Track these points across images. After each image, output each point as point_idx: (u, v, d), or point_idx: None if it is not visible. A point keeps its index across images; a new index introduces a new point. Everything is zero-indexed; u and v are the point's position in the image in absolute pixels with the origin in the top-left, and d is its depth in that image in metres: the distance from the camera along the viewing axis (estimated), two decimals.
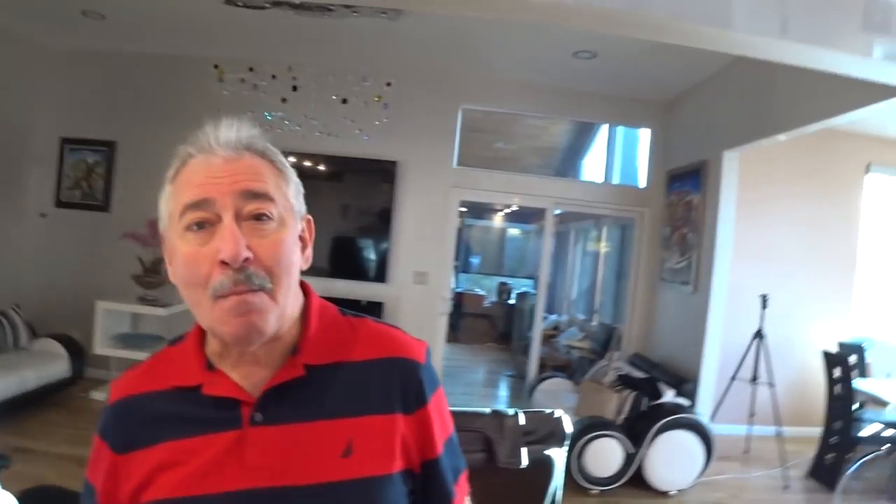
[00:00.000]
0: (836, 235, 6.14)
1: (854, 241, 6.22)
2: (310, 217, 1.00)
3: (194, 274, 0.86)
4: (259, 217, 0.88)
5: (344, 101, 5.75)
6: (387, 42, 5.11)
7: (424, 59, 5.53)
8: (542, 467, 1.71)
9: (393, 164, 5.84)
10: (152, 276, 5.28)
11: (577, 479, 4.20)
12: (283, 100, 5.69)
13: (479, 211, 12.57)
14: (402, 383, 0.96)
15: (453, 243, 6.13)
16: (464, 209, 6.19)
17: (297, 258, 0.94)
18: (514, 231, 14.12)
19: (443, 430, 1.01)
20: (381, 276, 5.89)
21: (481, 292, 13.00)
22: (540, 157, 9.34)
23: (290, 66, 5.67)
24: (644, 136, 6.54)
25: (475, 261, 13.84)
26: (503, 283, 12.79)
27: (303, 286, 1.01)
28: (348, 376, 0.95)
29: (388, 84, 5.77)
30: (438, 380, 1.03)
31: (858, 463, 4.51)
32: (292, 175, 0.97)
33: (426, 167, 5.92)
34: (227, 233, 0.85)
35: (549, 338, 8.07)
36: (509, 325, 10.61)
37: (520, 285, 12.48)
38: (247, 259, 0.85)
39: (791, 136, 4.47)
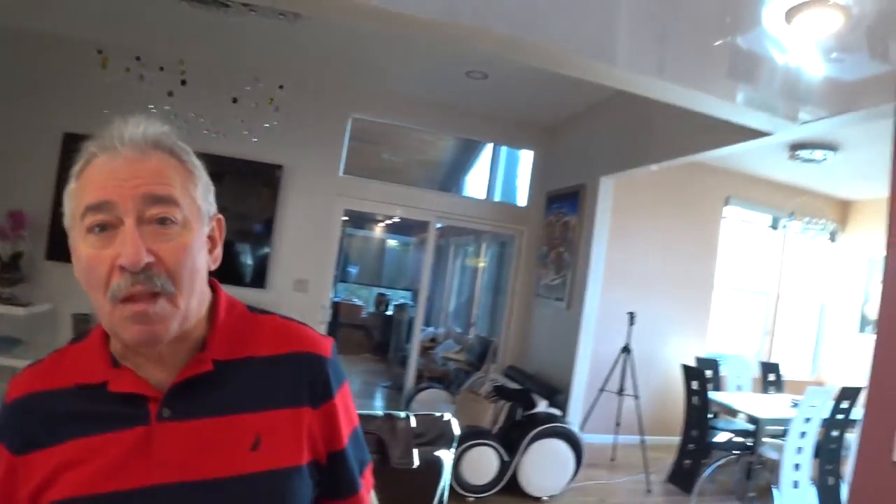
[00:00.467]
0: (697, 260, 6.66)
1: (712, 265, 6.78)
2: (220, 216, 1.00)
3: (94, 277, 0.85)
4: (163, 221, 0.87)
5: (234, 100, 5.62)
6: (283, 45, 5.06)
7: (319, 65, 5.51)
8: (433, 467, 1.79)
9: (279, 168, 5.76)
10: (11, 272, 4.92)
11: (454, 487, 4.29)
12: (170, 93, 5.46)
13: (359, 220, 12.56)
14: (309, 377, 0.99)
15: (335, 252, 6.12)
16: (345, 218, 6.19)
17: (202, 261, 0.94)
18: (393, 242, 14.20)
19: (348, 423, 1.04)
20: (260, 281, 5.77)
21: (359, 302, 12.97)
22: (425, 170, 9.48)
23: (180, 59, 5.46)
24: (526, 156, 6.81)
25: (353, 270, 13.79)
26: (381, 294, 12.82)
27: (211, 283, 1.01)
28: (256, 371, 0.97)
29: (281, 87, 5.69)
30: (344, 374, 1.06)
31: (712, 467, 4.90)
32: (202, 175, 0.96)
33: (312, 173, 5.88)
34: (127, 238, 0.83)
35: (427, 349, 8.18)
36: (386, 336, 10.64)
37: (398, 297, 12.56)
38: (148, 264, 0.84)
39: (662, 167, 4.83)
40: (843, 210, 7.53)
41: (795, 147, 5.39)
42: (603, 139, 5.48)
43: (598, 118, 5.65)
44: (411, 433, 1.80)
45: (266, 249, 5.80)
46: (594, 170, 5.47)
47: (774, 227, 7.31)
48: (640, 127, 4.91)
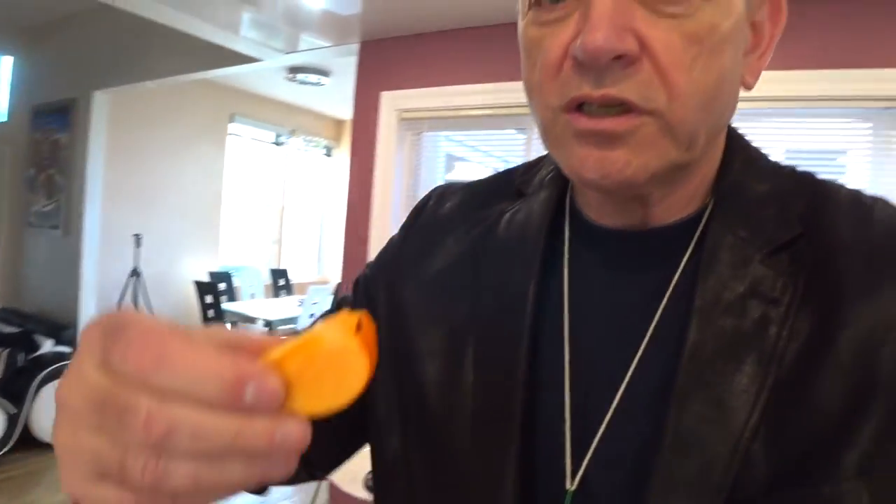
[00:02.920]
0: (205, 176, 6.68)
1: (220, 181, 6.88)
2: None
3: None
4: None
5: None
6: None
7: None
8: None
9: None
10: None
11: None
12: None
13: None
14: None
15: None
16: None
17: None
18: None
19: None
20: None
21: None
22: None
23: None
24: (5, 63, 5.83)
25: None
26: None
27: None
28: None
29: None
30: None
31: None
32: None
33: None
34: None
35: None
36: None
37: None
38: None
39: (161, 84, 4.66)
40: (337, 128, 8.35)
41: (294, 70, 5.72)
42: (96, 50, 4.97)
43: (89, 25, 5.06)
44: None
45: None
46: (87, 83, 4.98)
47: (278, 143, 7.73)
48: (136, 41, 4.60)
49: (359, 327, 0.35)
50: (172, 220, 6.33)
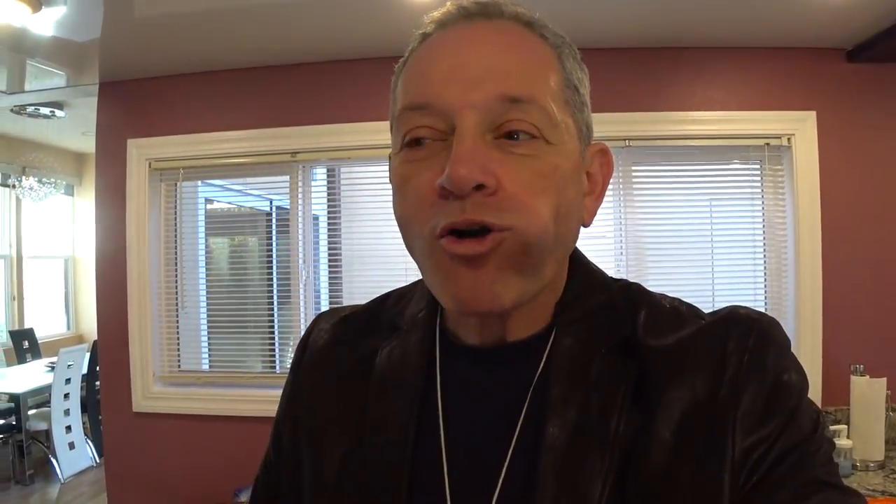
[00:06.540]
0: None
1: None
2: None
3: None
4: None
5: None
6: None
7: None
8: None
9: None
10: None
11: None
12: None
13: None
14: None
15: None
16: None
17: None
18: None
19: None
20: None
21: None
22: None
23: None
24: None
25: None
26: None
27: None
28: None
29: None
30: None
31: None
32: None
33: None
34: None
35: None
36: None
37: None
38: None
39: None
40: (78, 163, 7.51)
41: (22, 104, 5.06)
42: None
43: None
44: None
45: None
46: None
47: (6, 185, 6.75)
48: None
49: None
50: None
